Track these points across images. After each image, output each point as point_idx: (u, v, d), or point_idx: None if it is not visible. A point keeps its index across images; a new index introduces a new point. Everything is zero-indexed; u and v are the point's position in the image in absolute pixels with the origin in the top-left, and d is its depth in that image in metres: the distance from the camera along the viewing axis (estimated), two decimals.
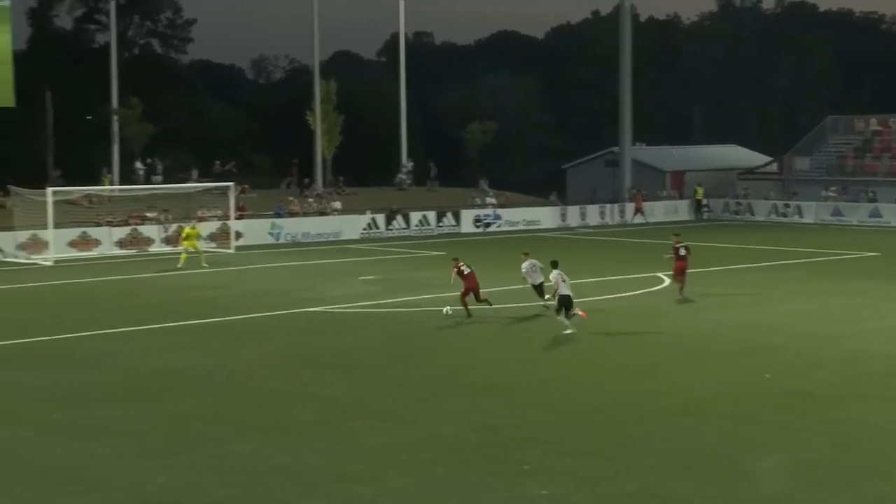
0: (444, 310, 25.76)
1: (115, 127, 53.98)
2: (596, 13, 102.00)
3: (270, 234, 47.26)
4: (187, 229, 38.80)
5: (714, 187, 63.19)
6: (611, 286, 31.72)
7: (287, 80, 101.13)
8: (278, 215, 48.76)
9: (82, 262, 39.78)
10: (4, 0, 48.12)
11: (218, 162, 54.75)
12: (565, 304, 23.80)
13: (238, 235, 44.95)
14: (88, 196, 46.34)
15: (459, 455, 15.21)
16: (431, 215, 51.93)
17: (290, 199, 51.55)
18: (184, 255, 37.44)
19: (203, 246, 39.57)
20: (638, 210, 58.17)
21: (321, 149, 57.44)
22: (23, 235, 40.79)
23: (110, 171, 52.29)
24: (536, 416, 17.27)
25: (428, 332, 24.81)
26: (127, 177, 52.55)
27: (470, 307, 25.88)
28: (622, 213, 58.11)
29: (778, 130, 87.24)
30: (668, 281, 30.89)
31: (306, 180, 56.78)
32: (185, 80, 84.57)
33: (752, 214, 59.92)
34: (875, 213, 56.14)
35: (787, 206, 59.13)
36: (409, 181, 60.21)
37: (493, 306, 26.42)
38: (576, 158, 73.28)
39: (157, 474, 14.43)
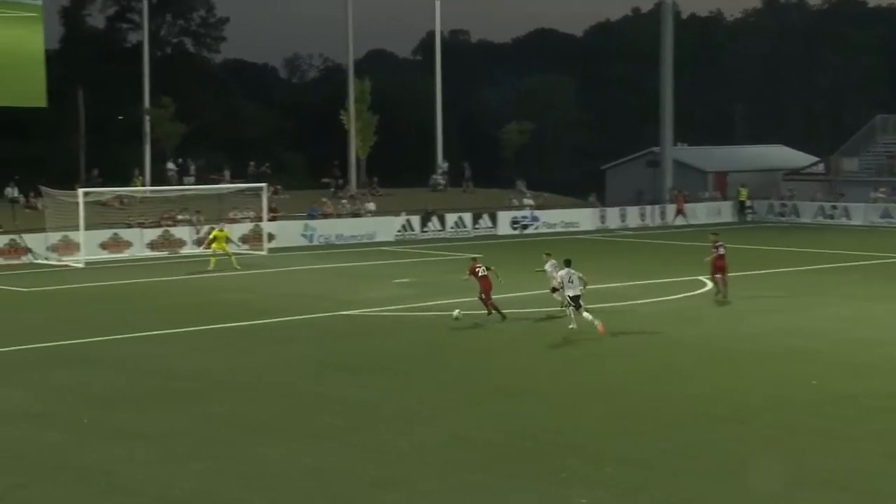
0: (455, 313, 25.90)
1: (147, 127, 54.37)
2: (636, 10, 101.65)
3: (303, 235, 47.35)
4: (215, 231, 38.99)
5: (758, 188, 62.61)
6: (652, 290, 31.47)
7: (321, 79, 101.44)
8: (311, 217, 48.86)
9: (113, 264, 40.04)
10: None
11: (252, 163, 54.95)
12: (574, 303, 24.33)
13: (270, 237, 45.07)
14: (120, 197, 46.63)
15: (494, 461, 15.09)
16: (467, 217, 51.84)
17: (324, 200, 51.64)
18: (213, 259, 37.60)
19: (233, 248, 39.72)
20: (679, 212, 57.80)
21: (355, 149, 57.51)
22: (54, 237, 41.12)
23: (142, 173, 52.66)
24: (575, 422, 17.11)
25: (463, 336, 24.72)
26: (159, 177, 52.87)
27: (482, 310, 26.11)
28: (663, 214, 57.75)
29: (824, 130, 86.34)
30: (710, 284, 30.60)
31: (340, 181, 56.85)
32: (217, 79, 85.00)
33: (798, 216, 59.31)
34: None
35: (834, 207, 58.45)
36: (443, 182, 60.16)
37: (501, 317, 26.22)
38: (615, 159, 72.90)
39: (184, 479, 14.43)
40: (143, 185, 50.23)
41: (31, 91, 48.36)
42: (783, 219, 59.51)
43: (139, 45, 59.96)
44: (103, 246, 42.02)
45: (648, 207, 57.99)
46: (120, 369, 21.33)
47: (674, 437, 16.20)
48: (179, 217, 45.65)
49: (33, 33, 48.44)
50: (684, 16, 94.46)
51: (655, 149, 64.98)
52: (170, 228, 44.48)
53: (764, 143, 77.06)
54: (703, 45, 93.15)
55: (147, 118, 54.34)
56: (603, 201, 60.61)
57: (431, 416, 17.58)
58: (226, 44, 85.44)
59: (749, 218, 59.99)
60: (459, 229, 51.24)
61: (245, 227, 45.35)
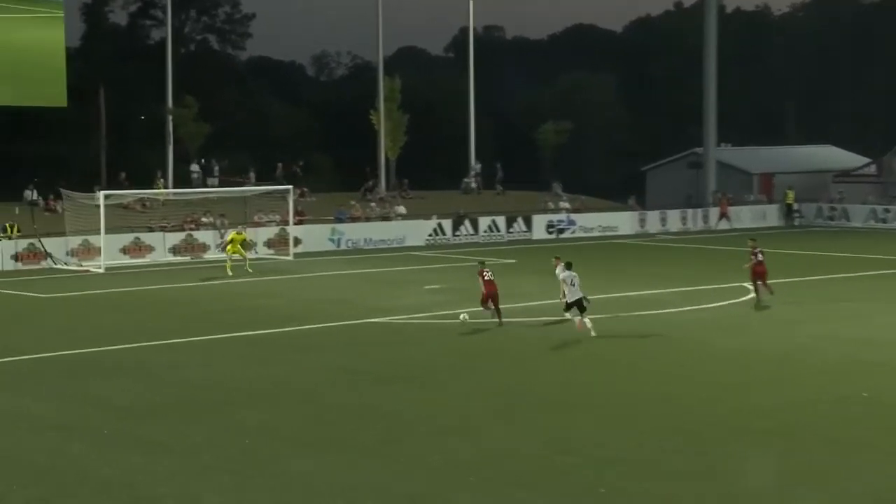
0: (461, 317, 26.16)
1: (170, 127, 54.70)
2: (678, 5, 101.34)
3: (331, 240, 47.43)
4: (232, 234, 39.17)
5: (806, 191, 62.21)
6: (695, 296, 31.33)
7: (349, 77, 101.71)
8: (339, 220, 48.96)
9: (135, 269, 40.28)
10: None
11: (280, 164, 54.93)
12: (577, 305, 25.02)
13: (297, 242, 45.20)
14: (142, 200, 46.89)
15: (530, 475, 15.06)
16: (501, 221, 51.80)
17: (352, 203, 51.71)
18: (229, 263, 37.77)
19: (252, 255, 39.85)
20: (723, 215, 57.48)
21: (385, 150, 57.57)
22: (74, 241, 41.39)
23: (164, 175, 52.96)
24: (616, 435, 17.05)
25: (497, 344, 24.71)
26: (182, 179, 53.15)
27: (485, 316, 26.57)
28: (706, 218, 57.46)
29: (876, 130, 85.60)
30: (753, 292, 30.46)
31: (369, 183, 56.88)
32: (242, 77, 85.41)
33: (848, 220, 58.85)
34: None
35: (886, 210, 57.96)
36: (476, 184, 60.13)
37: (501, 323, 26.39)
38: (656, 160, 72.65)
39: (210, 493, 14.48)
40: (166, 188, 50.48)
41: (52, 91, 48.83)
42: (832, 223, 59.06)
43: (162, 42, 60.35)
44: (124, 250, 42.24)
45: (690, 211, 57.74)
46: (144, 379, 21.46)
47: (721, 452, 16.09)
48: (203, 220, 45.88)
49: (55, 33, 48.90)
50: (729, 10, 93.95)
51: (698, 149, 64.69)
52: (193, 232, 44.71)
53: (812, 144, 76.55)
54: (749, 42, 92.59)
55: (170, 118, 54.67)
56: (643, 204, 60.37)
57: (466, 428, 17.56)
58: (251, 41, 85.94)
59: (796, 222, 59.59)
60: (493, 234, 51.22)
61: (270, 231, 45.51)
